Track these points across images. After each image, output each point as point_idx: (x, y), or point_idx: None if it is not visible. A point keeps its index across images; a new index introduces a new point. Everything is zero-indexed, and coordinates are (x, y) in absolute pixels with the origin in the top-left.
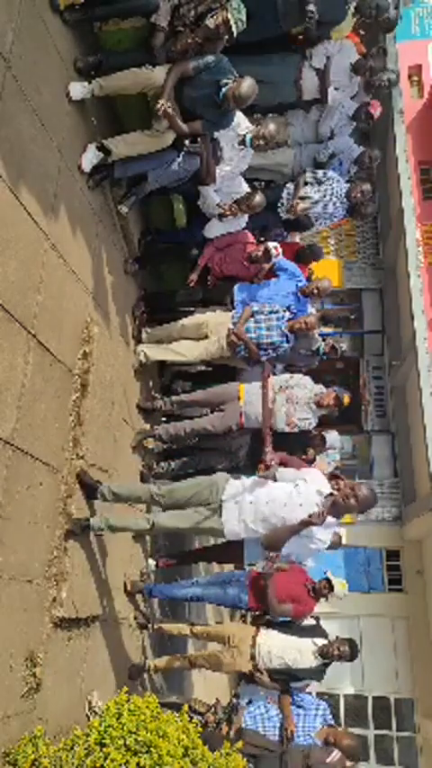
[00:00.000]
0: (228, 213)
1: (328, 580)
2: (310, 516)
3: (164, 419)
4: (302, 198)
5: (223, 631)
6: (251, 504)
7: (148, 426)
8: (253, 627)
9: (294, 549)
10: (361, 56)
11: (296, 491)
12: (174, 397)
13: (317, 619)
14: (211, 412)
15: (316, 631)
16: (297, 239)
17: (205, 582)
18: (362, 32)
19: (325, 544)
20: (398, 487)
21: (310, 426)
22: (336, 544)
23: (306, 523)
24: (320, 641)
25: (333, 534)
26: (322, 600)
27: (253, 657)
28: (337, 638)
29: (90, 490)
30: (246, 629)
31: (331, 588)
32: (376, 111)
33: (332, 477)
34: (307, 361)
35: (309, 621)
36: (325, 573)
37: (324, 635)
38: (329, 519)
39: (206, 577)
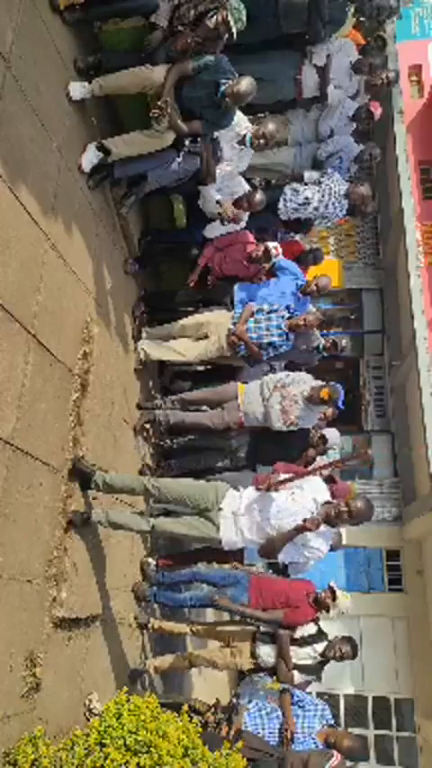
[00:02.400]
0: (229, 215)
1: (332, 590)
2: (304, 521)
3: None
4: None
5: (224, 630)
6: (247, 513)
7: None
8: (253, 626)
9: (291, 556)
10: (360, 47)
11: (292, 499)
12: (173, 396)
13: (316, 619)
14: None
15: (318, 638)
16: (297, 238)
17: (206, 570)
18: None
19: (321, 553)
20: (398, 487)
21: (310, 424)
22: (336, 544)
23: (300, 529)
24: (321, 646)
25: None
26: (324, 612)
27: (253, 656)
28: (336, 637)
29: (84, 479)
30: (246, 629)
31: (334, 598)
32: (377, 111)
33: (329, 479)
34: (307, 359)
35: (310, 630)
36: (329, 583)
37: (325, 639)
38: (324, 528)
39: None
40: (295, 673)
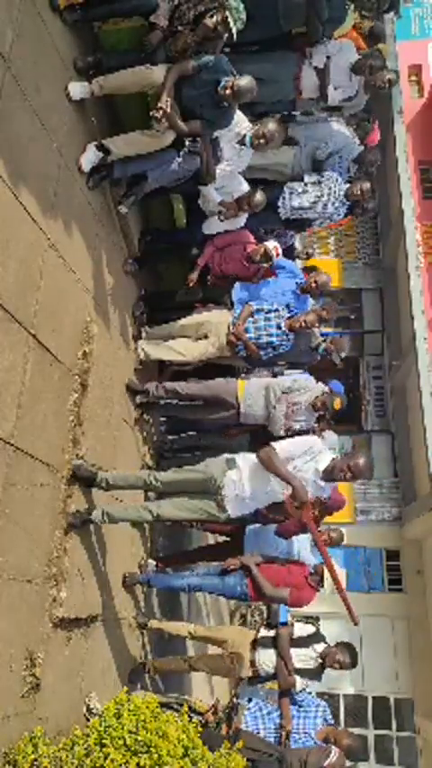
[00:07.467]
0: (230, 211)
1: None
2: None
3: (163, 419)
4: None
5: (223, 636)
6: (248, 482)
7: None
8: (252, 632)
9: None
10: (360, 50)
11: (292, 468)
12: (169, 383)
13: (316, 619)
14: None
15: (316, 638)
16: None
17: (204, 572)
18: (363, 22)
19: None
20: (398, 487)
21: (306, 427)
22: (338, 541)
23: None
24: (320, 647)
25: (335, 531)
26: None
27: (253, 664)
28: (337, 643)
29: (88, 481)
30: (245, 635)
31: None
32: (375, 139)
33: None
34: (307, 358)
35: (307, 630)
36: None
37: (323, 640)
38: (323, 483)
39: (205, 568)
40: (297, 678)
